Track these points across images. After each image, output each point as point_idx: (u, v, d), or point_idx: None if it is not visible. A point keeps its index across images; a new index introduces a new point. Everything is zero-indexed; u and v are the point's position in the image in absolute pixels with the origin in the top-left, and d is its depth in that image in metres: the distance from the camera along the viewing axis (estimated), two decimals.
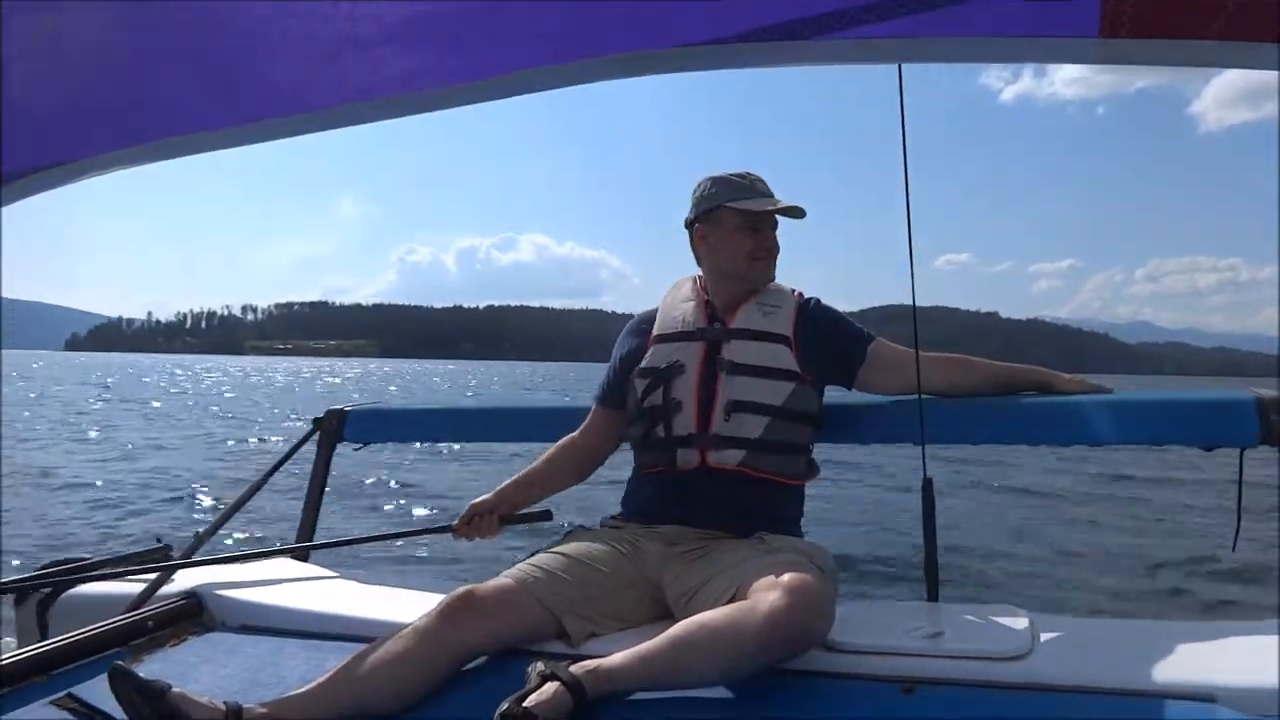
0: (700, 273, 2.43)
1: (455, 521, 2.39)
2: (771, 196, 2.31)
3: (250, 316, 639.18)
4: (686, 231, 2.40)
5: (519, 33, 1.30)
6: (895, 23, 1.13)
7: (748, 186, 2.30)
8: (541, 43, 1.30)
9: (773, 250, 2.33)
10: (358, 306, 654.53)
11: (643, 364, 2.32)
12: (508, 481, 2.44)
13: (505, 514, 2.40)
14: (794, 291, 2.37)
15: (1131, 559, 6.58)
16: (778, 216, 2.32)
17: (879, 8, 1.12)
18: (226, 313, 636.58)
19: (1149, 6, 1.05)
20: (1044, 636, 1.86)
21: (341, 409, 3.07)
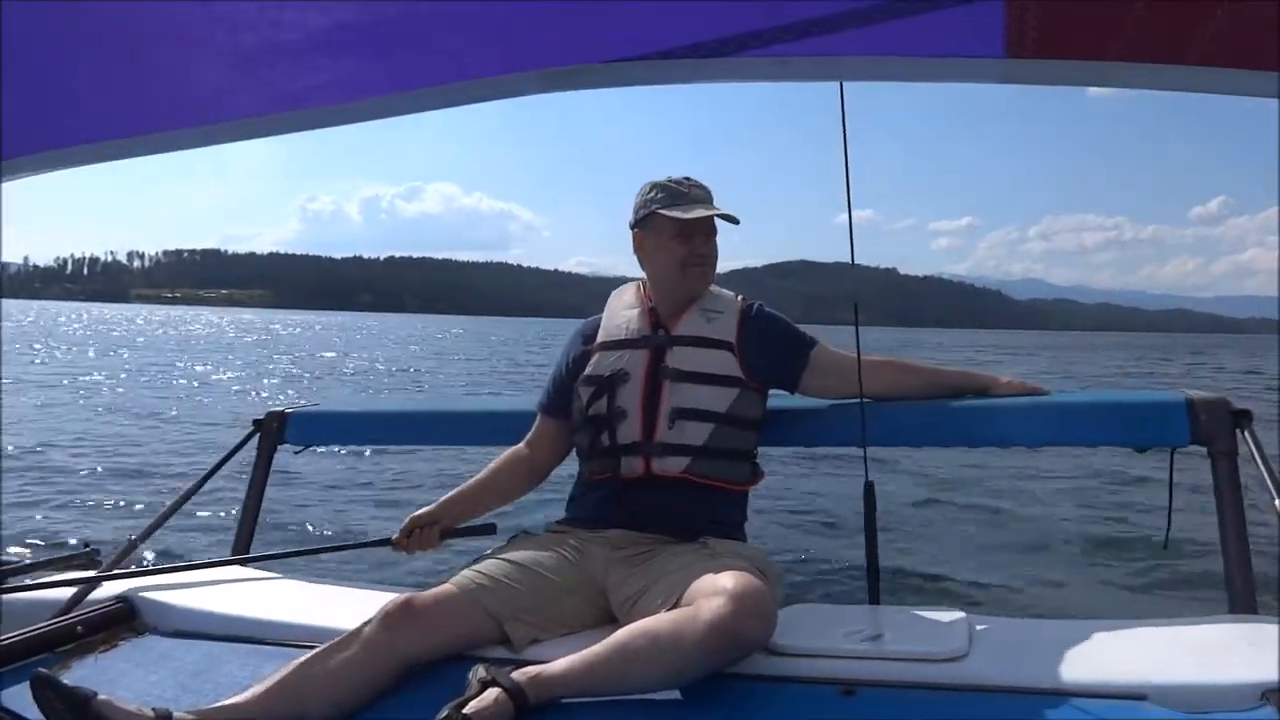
0: (644, 278, 2.43)
1: (395, 534, 2.32)
2: (708, 203, 2.30)
3: (137, 263, 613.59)
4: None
5: (446, 45, 1.30)
6: (809, 42, 1.16)
7: (683, 193, 2.29)
8: (468, 56, 1.30)
9: (706, 258, 2.31)
10: (253, 255, 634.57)
11: (587, 372, 2.30)
12: (451, 493, 2.37)
13: (447, 527, 2.33)
14: (738, 297, 2.37)
15: (1067, 559, 6.71)
16: (719, 222, 2.31)
17: (793, 29, 1.15)
18: (111, 259, 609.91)
19: (1051, 28, 1.09)
20: (981, 638, 1.90)
21: (282, 410, 2.99)
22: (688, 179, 2.32)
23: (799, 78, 1.20)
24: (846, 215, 2.36)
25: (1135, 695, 1.63)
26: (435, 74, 1.32)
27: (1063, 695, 1.66)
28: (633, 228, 2.36)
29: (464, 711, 1.59)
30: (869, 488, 2.37)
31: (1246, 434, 2.15)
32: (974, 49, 1.12)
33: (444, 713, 1.59)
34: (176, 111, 1.43)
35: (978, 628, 1.95)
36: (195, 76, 1.38)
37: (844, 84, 2.05)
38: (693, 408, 2.19)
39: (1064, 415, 2.38)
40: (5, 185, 1.51)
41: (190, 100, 1.42)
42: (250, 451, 2.96)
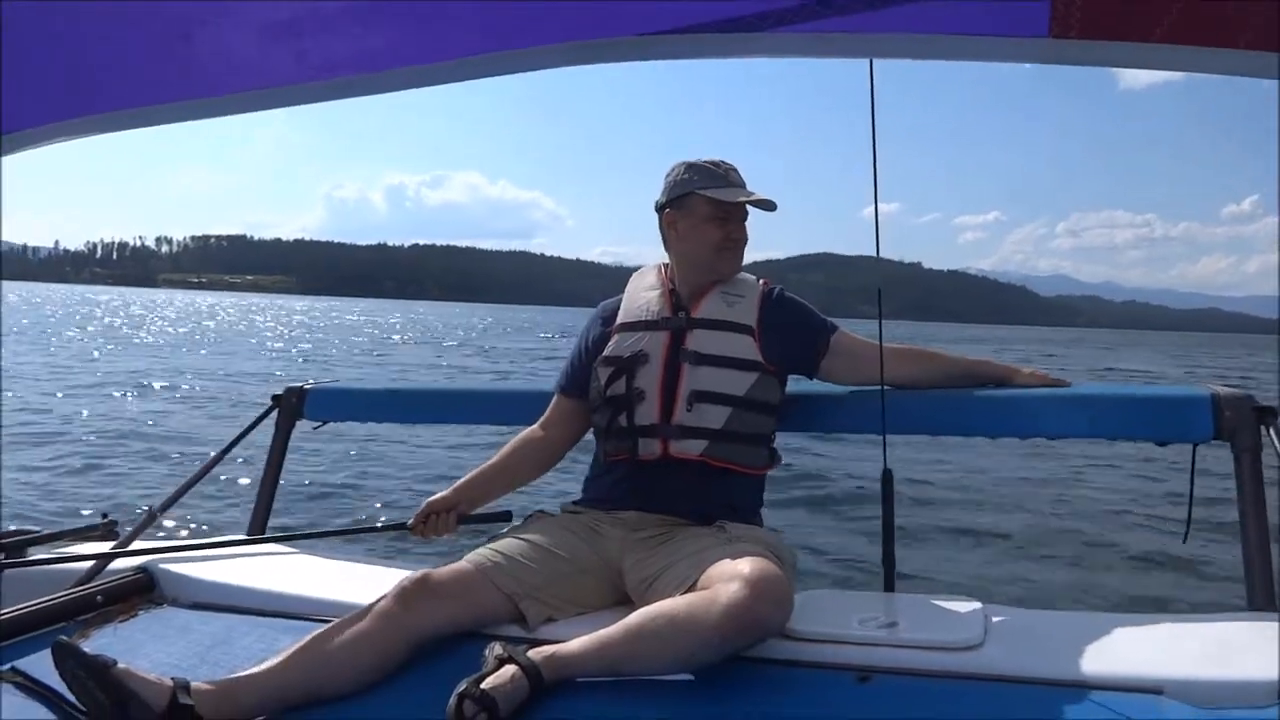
0: (666, 261, 2.42)
1: (411, 519, 2.32)
2: (744, 187, 2.30)
3: (165, 249, 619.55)
4: (657, 215, 2.37)
5: (479, 16, 1.30)
6: (851, 18, 1.15)
7: (721, 175, 2.28)
8: (502, 27, 1.30)
9: (741, 241, 2.32)
10: (278, 242, 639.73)
11: (606, 352, 2.30)
12: (466, 477, 2.37)
13: (463, 513, 2.33)
14: (760, 281, 2.37)
15: (1084, 551, 6.66)
16: (748, 208, 2.31)
17: (835, 3, 1.14)
18: (139, 244, 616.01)
19: (1096, 9, 1.08)
20: (997, 628, 1.89)
21: (301, 386, 3.01)
22: (723, 162, 2.31)
23: (835, 54, 1.19)
24: (871, 208, 2.34)
25: (1151, 689, 1.62)
26: (465, 46, 1.32)
27: (1078, 687, 1.64)
28: (663, 207, 2.35)
29: (481, 687, 1.60)
30: (887, 475, 2.35)
31: (1271, 431, 2.12)
32: (1017, 28, 1.11)
33: (461, 687, 1.60)
34: (213, 78, 1.44)
35: (993, 618, 1.94)
36: (232, 44, 1.39)
37: (879, 64, 2.03)
38: (711, 391, 2.19)
39: (1086, 408, 2.35)
40: (42, 150, 1.52)
41: (227, 67, 1.42)
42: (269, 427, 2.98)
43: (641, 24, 1.23)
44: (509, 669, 1.66)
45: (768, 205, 2.29)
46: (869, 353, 2.31)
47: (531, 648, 1.73)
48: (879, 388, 2.31)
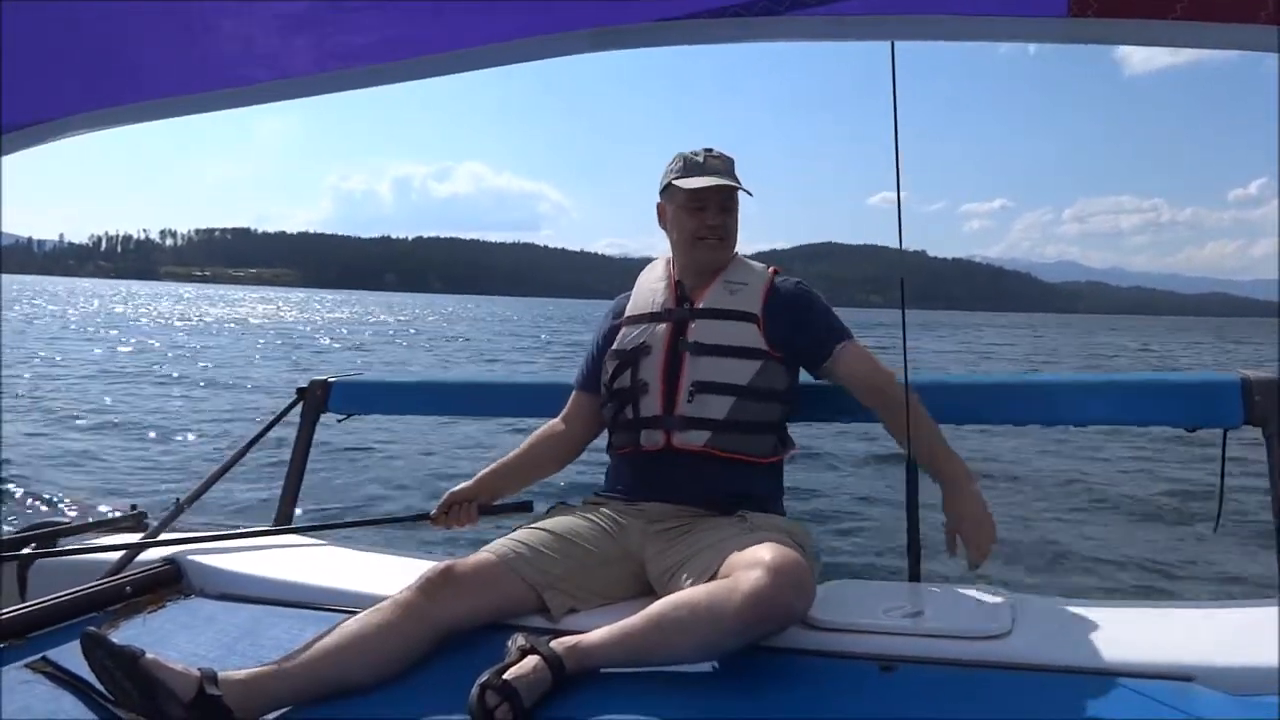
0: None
1: (433, 510, 2.35)
2: (726, 174, 2.27)
3: (169, 242, 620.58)
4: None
5: (496, 4, 1.29)
6: (868, 0, 1.14)
7: (699, 164, 2.27)
8: (518, 15, 1.29)
9: (718, 229, 2.28)
10: (282, 235, 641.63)
11: (614, 345, 2.31)
12: (487, 469, 2.39)
13: (484, 504, 2.36)
14: (770, 269, 2.34)
15: (1112, 540, 6.59)
16: (739, 196, 2.30)
17: None
18: (144, 237, 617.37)
19: None
20: (1024, 617, 1.87)
21: (326, 379, 3.03)
22: (709, 150, 2.30)
23: (852, 37, 1.17)
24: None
25: (1182, 676, 1.60)
26: (486, 33, 1.32)
27: (1107, 675, 1.63)
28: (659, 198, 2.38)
29: (503, 677, 1.60)
30: (911, 464, 2.32)
31: None
32: (1036, 7, 1.10)
33: (484, 678, 1.60)
34: (233, 69, 1.44)
35: (1021, 607, 1.92)
36: (251, 34, 1.39)
37: (896, 45, 2.02)
38: (713, 380, 2.18)
39: (1113, 394, 2.34)
40: (59, 143, 1.53)
41: (246, 58, 1.42)
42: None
43: (660, 9, 1.23)
44: (531, 659, 1.66)
45: (735, 189, 2.27)
46: (869, 378, 2.25)
47: (555, 638, 1.73)
48: (904, 378, 2.28)
